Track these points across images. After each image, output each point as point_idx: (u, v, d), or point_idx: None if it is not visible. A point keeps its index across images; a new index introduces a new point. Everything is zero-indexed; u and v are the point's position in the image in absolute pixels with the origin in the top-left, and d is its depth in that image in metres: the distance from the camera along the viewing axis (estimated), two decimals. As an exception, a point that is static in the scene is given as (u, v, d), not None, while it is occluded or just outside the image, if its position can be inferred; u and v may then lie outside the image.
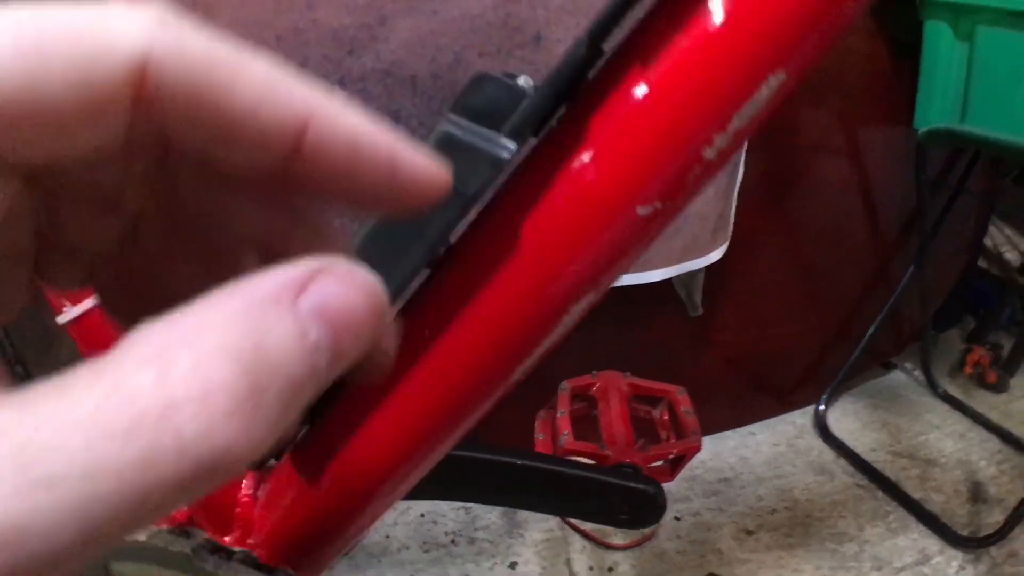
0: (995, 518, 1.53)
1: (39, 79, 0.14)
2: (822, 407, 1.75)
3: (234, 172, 0.18)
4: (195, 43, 0.15)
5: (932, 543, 1.48)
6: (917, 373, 1.92)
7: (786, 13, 0.26)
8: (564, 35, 0.81)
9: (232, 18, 0.68)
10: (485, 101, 0.28)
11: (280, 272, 0.16)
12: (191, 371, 0.14)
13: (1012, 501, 1.56)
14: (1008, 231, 1.98)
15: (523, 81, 0.29)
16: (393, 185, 0.19)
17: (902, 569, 1.42)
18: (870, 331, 1.70)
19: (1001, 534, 1.45)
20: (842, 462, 1.64)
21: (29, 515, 0.12)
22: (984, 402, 1.86)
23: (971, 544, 1.46)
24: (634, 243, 0.29)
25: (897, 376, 1.94)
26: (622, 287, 1.06)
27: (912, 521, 1.52)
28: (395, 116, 0.75)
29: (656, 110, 0.27)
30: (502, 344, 0.30)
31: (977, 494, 1.60)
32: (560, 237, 0.28)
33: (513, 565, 1.37)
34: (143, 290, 0.22)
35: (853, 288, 1.76)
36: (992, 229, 1.96)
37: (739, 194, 1.29)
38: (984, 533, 1.49)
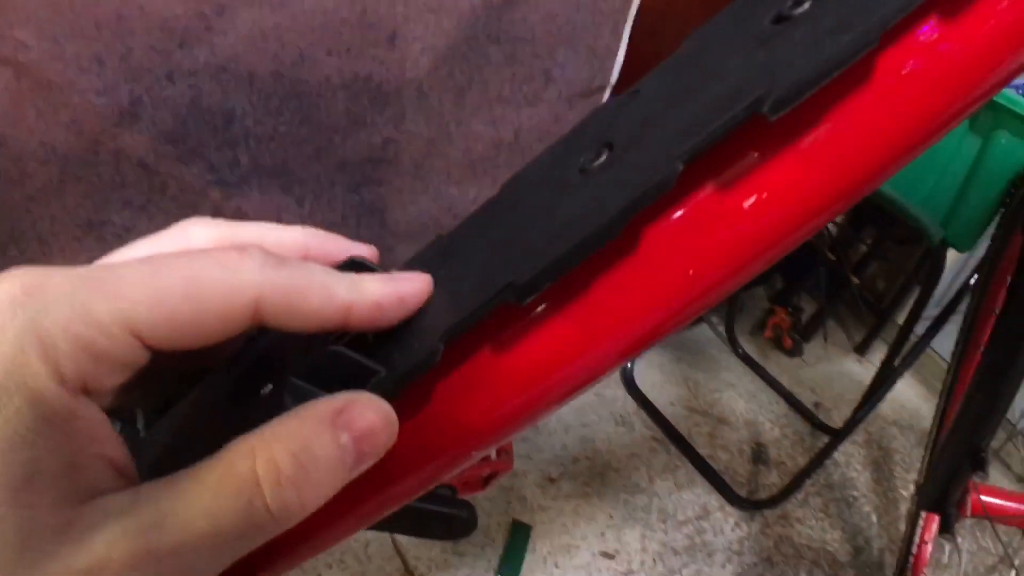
0: (772, 480, 1.67)
1: (201, 313, 0.23)
2: (631, 360, 1.81)
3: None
4: (283, 275, 0.25)
5: (713, 500, 1.59)
6: (722, 330, 2.02)
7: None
8: (422, 33, 0.75)
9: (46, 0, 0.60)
10: (335, 375, 0.27)
11: (329, 400, 0.25)
12: (268, 462, 0.23)
13: (790, 464, 1.70)
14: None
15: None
16: (401, 310, 0.28)
17: (684, 523, 1.53)
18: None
19: (775, 501, 1.58)
20: (642, 414, 1.72)
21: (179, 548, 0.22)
22: (778, 365, 1.99)
23: (747, 505, 1.58)
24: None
25: (704, 331, 2.03)
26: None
27: (698, 477, 1.62)
28: (229, 115, 0.68)
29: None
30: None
31: (759, 455, 1.72)
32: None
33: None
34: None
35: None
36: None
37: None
38: (761, 494, 1.62)
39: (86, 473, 0.22)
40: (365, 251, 0.31)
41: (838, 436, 1.59)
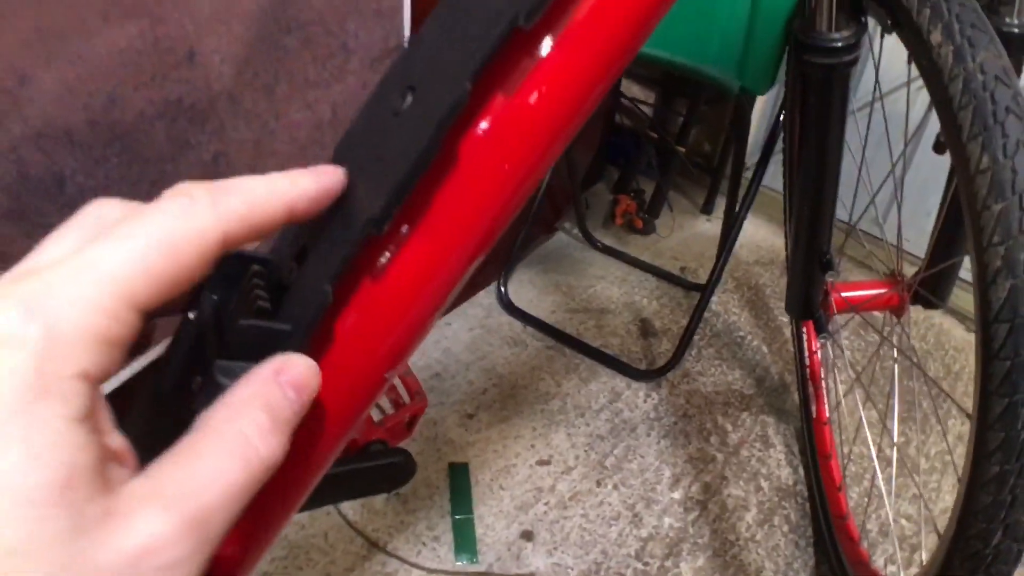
0: (664, 347, 1.79)
1: (183, 267, 0.26)
2: (503, 285, 1.89)
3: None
4: (235, 202, 0.28)
5: (619, 381, 1.70)
6: (576, 232, 2.11)
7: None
8: (217, 44, 0.78)
9: None
10: (251, 345, 0.31)
11: (267, 363, 0.29)
12: (250, 421, 0.27)
13: (675, 329, 1.83)
14: (636, 89, 2.19)
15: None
16: (327, 199, 0.32)
17: (600, 410, 1.63)
18: (532, 209, 1.87)
19: (672, 363, 1.70)
20: (530, 330, 1.80)
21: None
22: (636, 246, 2.10)
23: (651, 375, 1.70)
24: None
25: (560, 238, 2.12)
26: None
27: (599, 367, 1.73)
28: (59, 178, 0.70)
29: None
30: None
31: (646, 330, 1.84)
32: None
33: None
34: None
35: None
36: (624, 86, 2.15)
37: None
38: (659, 362, 1.73)
39: (108, 463, 0.25)
40: (333, 178, 0.33)
41: (707, 289, 1.72)
